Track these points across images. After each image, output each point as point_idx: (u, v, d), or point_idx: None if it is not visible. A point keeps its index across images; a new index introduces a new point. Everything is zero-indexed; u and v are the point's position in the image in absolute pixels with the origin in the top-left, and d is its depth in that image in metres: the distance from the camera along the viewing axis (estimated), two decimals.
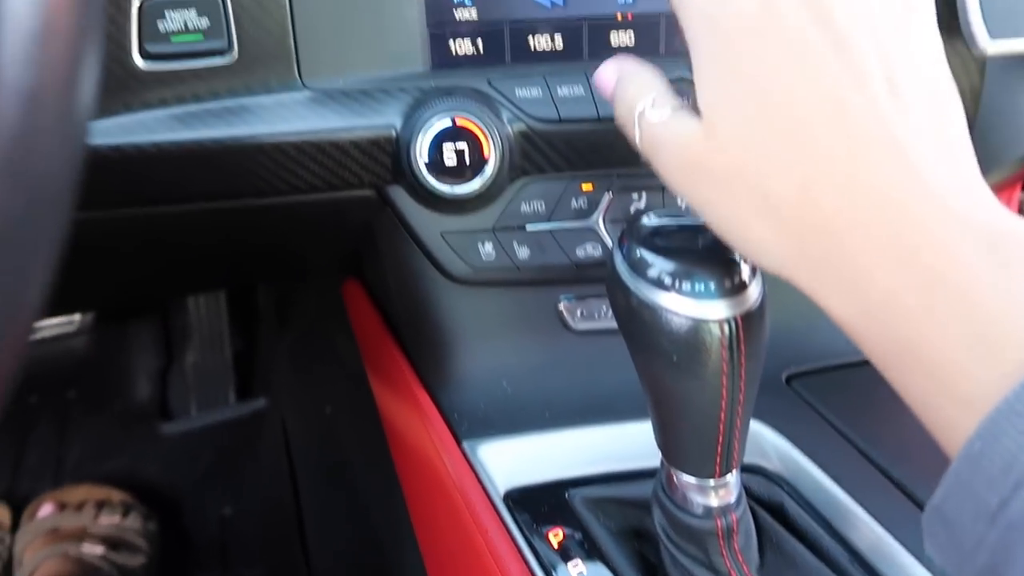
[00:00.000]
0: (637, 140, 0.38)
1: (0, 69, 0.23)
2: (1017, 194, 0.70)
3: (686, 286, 0.39)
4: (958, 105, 0.33)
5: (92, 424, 1.28)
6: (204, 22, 0.49)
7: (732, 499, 0.44)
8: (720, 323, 0.39)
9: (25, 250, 0.25)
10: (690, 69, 0.35)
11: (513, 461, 0.55)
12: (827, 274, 0.32)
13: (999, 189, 0.63)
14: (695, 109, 0.35)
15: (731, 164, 0.33)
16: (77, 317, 1.31)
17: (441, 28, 0.55)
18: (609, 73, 0.40)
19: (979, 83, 0.57)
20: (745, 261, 0.39)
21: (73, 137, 0.26)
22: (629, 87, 0.38)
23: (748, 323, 0.40)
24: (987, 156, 0.41)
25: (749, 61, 0.33)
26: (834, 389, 0.61)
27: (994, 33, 0.51)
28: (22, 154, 0.24)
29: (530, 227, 0.57)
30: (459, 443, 0.57)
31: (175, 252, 0.66)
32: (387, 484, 0.70)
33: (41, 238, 0.26)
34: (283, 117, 0.52)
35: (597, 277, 0.44)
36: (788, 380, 0.63)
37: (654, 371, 0.42)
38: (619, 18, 0.56)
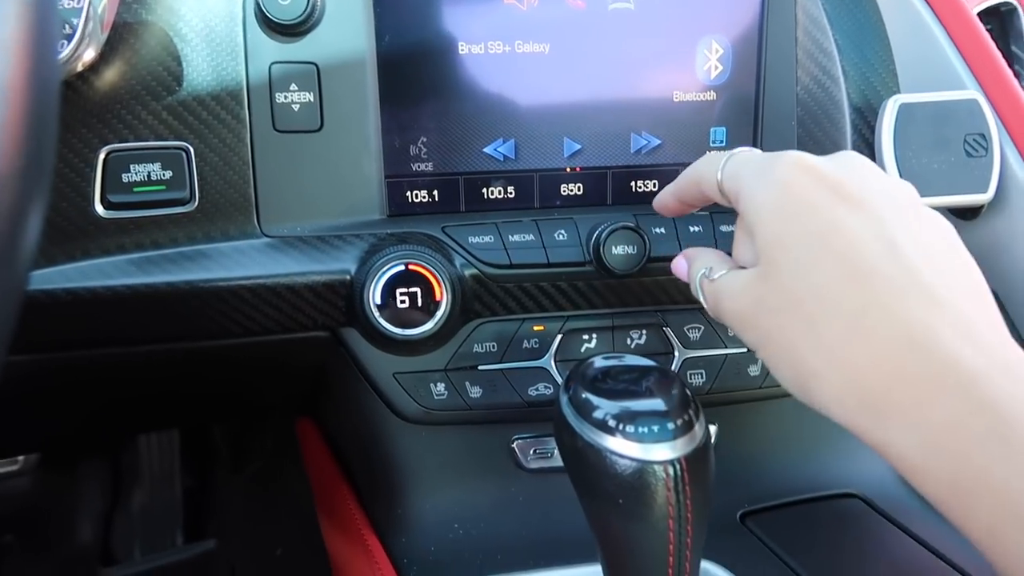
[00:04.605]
0: (703, 300, 0.44)
1: None
2: None
3: (630, 428, 0.40)
4: (979, 274, 0.37)
5: (28, 572, 1.21)
6: (167, 174, 0.51)
7: None
8: (664, 465, 0.39)
9: None
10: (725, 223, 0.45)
11: None
12: (883, 411, 0.33)
13: None
14: (740, 265, 0.41)
15: (786, 299, 0.37)
16: (21, 457, 1.26)
17: (399, 180, 0.57)
18: (680, 260, 0.49)
19: None
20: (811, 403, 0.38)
21: (11, 283, 0.27)
22: (692, 264, 0.46)
23: (693, 464, 0.40)
24: None
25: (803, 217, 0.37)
26: (789, 526, 0.61)
27: None
28: None
29: (482, 367, 0.58)
30: None
31: (125, 391, 0.65)
32: None
33: None
34: (240, 263, 0.53)
35: (550, 416, 0.45)
36: (743, 518, 0.62)
37: (601, 514, 0.42)
38: (568, 171, 0.60)
